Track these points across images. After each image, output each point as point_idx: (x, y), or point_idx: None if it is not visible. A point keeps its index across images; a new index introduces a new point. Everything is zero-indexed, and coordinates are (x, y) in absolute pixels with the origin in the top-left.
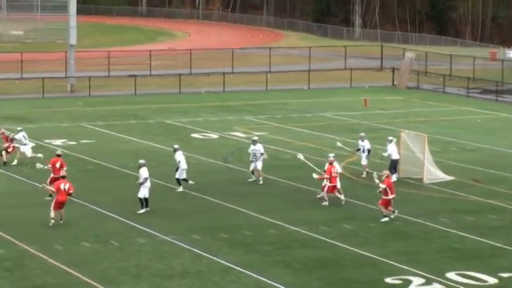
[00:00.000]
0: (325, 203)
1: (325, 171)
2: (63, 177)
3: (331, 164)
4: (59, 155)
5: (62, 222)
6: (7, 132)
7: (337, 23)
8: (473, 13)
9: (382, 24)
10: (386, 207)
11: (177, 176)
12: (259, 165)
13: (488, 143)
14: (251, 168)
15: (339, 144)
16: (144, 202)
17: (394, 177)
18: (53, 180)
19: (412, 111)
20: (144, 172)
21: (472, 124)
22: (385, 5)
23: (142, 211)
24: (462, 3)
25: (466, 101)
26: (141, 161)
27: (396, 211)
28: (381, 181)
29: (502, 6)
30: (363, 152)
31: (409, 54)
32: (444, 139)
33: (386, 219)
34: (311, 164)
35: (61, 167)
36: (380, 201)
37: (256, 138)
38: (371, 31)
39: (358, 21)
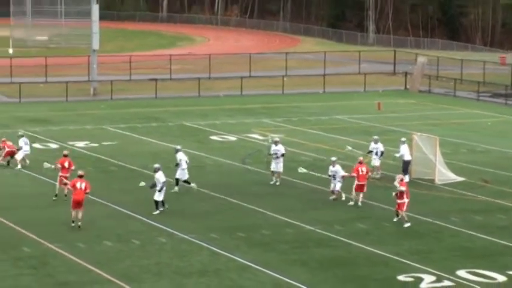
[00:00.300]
0: (351, 203)
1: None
2: (81, 176)
3: (360, 163)
4: (65, 155)
5: (79, 225)
6: (9, 142)
7: (351, 29)
8: (484, 19)
9: (395, 30)
10: (402, 209)
11: (177, 175)
12: (279, 167)
13: (498, 145)
14: (272, 169)
15: (348, 148)
16: (160, 203)
17: (406, 178)
18: (61, 179)
19: (423, 114)
20: (160, 176)
21: (482, 127)
22: (398, 11)
23: (157, 212)
24: (473, 9)
25: (476, 105)
26: (156, 165)
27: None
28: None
29: (511, 12)
30: (376, 154)
31: (421, 59)
32: (455, 141)
33: (408, 224)
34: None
35: (69, 166)
36: (397, 206)
37: (277, 139)
38: (384, 36)
39: (372, 26)
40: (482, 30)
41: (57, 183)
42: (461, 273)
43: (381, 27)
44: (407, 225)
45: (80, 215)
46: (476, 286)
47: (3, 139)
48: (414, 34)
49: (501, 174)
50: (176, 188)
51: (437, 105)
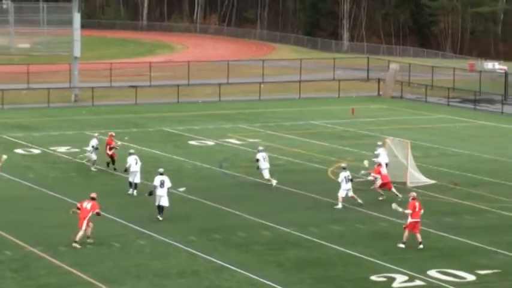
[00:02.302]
0: (383, 198)
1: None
2: (93, 198)
3: (379, 165)
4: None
5: (90, 242)
6: None
7: (326, 37)
8: (453, 27)
9: (368, 38)
10: (413, 230)
11: (130, 179)
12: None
13: (467, 149)
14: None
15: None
16: (161, 210)
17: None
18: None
19: (396, 119)
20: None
21: (452, 131)
22: (371, 20)
23: (159, 217)
24: (443, 18)
25: (447, 110)
26: (160, 170)
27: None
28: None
29: (480, 21)
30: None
31: (394, 66)
32: (426, 145)
33: (421, 246)
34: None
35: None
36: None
37: (262, 148)
38: (358, 44)
39: (346, 34)
40: (452, 38)
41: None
42: (432, 272)
43: (355, 35)
44: (420, 246)
45: (89, 230)
46: (446, 285)
47: None
48: (387, 42)
49: (470, 176)
50: (132, 191)
51: (409, 110)
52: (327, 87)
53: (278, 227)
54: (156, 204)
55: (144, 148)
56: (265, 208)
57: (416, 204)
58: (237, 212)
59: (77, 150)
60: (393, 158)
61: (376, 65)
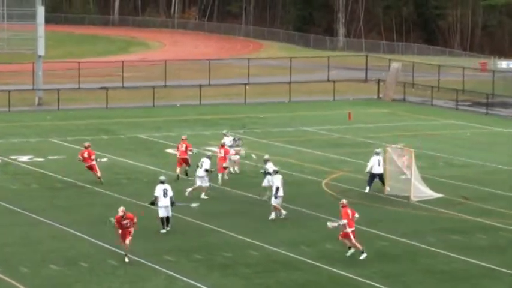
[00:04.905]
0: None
1: None
2: (124, 213)
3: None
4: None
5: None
6: None
7: (319, 33)
8: (463, 21)
9: (367, 34)
10: (349, 240)
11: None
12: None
13: (478, 159)
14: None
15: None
16: (166, 221)
17: (367, 189)
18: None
19: (398, 125)
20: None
21: (461, 138)
22: (370, 13)
23: (163, 231)
24: (451, 11)
25: (455, 114)
26: (162, 178)
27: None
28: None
29: (493, 14)
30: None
31: (395, 65)
32: (432, 154)
33: (352, 251)
34: None
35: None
36: (340, 234)
37: (267, 157)
38: (355, 40)
39: (341, 30)
40: (461, 34)
41: None
42: None
43: (352, 30)
44: (350, 252)
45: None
46: None
47: None
48: (387, 38)
49: (481, 190)
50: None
51: (413, 115)
52: (320, 90)
53: (267, 246)
54: (160, 216)
55: (115, 157)
56: (252, 225)
57: (349, 211)
58: (220, 229)
59: (40, 159)
60: (395, 169)
61: (375, 64)
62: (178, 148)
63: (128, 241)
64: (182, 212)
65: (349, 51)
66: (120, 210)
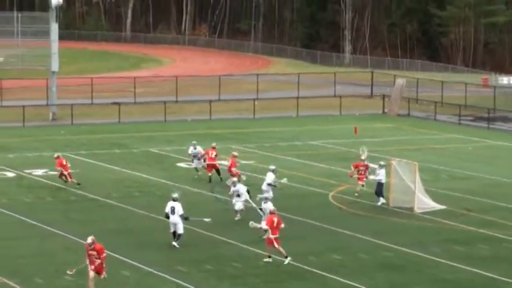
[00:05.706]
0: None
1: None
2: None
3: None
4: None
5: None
6: None
7: (326, 49)
8: (465, 39)
9: (372, 50)
10: (273, 246)
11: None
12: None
13: (480, 171)
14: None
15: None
16: (177, 236)
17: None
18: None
19: (402, 139)
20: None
21: (464, 152)
22: (375, 31)
23: (174, 243)
24: (454, 28)
25: (458, 129)
26: (175, 195)
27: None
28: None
29: (494, 32)
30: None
31: (400, 81)
32: (435, 167)
33: (267, 259)
34: None
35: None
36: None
37: (274, 167)
38: (361, 57)
39: (348, 47)
40: (463, 51)
41: None
42: None
43: (357, 47)
44: (267, 260)
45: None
46: None
47: None
48: (392, 55)
49: (484, 202)
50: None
51: (417, 129)
52: (327, 104)
53: (275, 256)
54: (171, 230)
55: (128, 171)
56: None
57: (275, 219)
58: (230, 241)
59: (54, 173)
60: (400, 181)
61: (380, 80)
62: (208, 153)
63: (91, 273)
64: (194, 224)
65: (355, 68)
66: (89, 239)
